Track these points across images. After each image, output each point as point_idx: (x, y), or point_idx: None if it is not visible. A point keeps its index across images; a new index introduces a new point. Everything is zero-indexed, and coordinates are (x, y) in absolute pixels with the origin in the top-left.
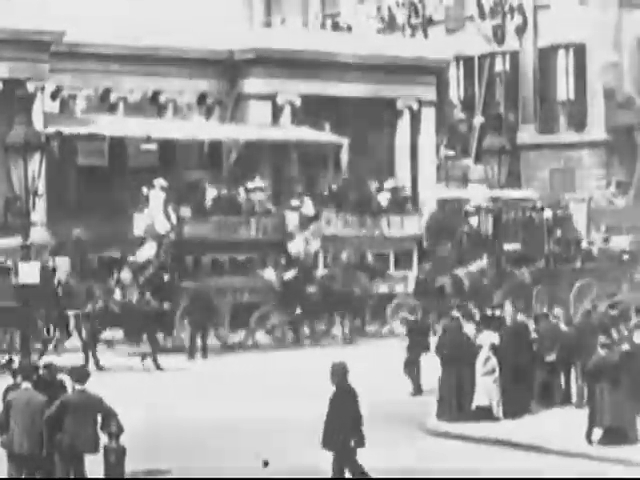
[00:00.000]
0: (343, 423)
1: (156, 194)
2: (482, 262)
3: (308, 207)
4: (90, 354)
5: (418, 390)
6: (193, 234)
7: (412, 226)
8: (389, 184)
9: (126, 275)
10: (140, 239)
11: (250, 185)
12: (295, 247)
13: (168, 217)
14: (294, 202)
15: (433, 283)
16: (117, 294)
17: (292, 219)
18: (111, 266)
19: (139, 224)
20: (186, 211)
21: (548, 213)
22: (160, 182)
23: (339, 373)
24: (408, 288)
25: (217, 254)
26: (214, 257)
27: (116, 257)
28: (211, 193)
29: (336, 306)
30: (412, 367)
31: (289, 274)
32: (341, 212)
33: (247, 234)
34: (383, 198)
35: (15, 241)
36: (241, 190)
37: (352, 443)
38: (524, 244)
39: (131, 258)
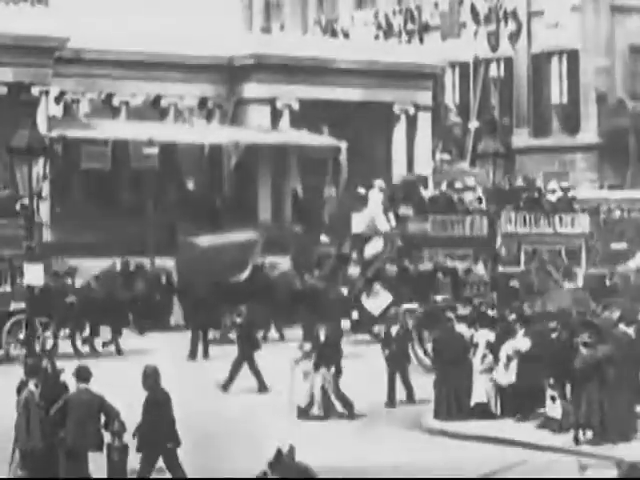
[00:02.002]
0: (158, 426)
1: (375, 194)
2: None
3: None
4: None
5: None
6: (415, 231)
7: (581, 224)
8: (559, 185)
9: (354, 269)
10: (365, 237)
11: (458, 185)
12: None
13: (387, 216)
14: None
15: (602, 279)
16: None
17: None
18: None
19: (358, 223)
20: (407, 210)
21: None
22: (379, 183)
23: (151, 377)
24: (578, 283)
25: (435, 250)
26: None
27: (343, 253)
28: (427, 193)
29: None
30: None
31: (497, 269)
32: (520, 211)
33: (461, 231)
34: (554, 197)
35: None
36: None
37: (169, 445)
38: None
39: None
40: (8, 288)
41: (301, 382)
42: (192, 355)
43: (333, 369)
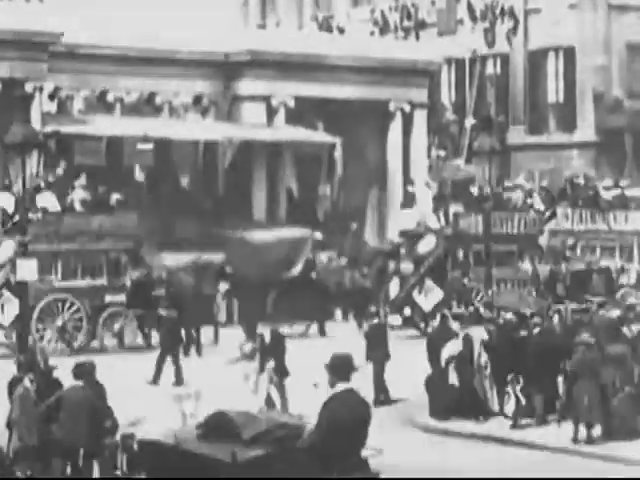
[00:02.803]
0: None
1: (424, 191)
2: None
3: (538, 203)
4: None
5: None
6: (466, 228)
7: (635, 221)
8: (613, 182)
9: (407, 266)
10: (418, 233)
11: (508, 183)
12: (542, 241)
13: (437, 213)
14: (529, 200)
15: None
16: (396, 282)
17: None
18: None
19: (407, 220)
20: (457, 207)
21: None
22: (427, 180)
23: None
24: (630, 280)
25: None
26: (479, 249)
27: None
28: (474, 190)
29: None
30: None
31: (541, 266)
32: (576, 208)
33: (510, 228)
34: (609, 195)
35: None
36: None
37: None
38: None
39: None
40: (104, 281)
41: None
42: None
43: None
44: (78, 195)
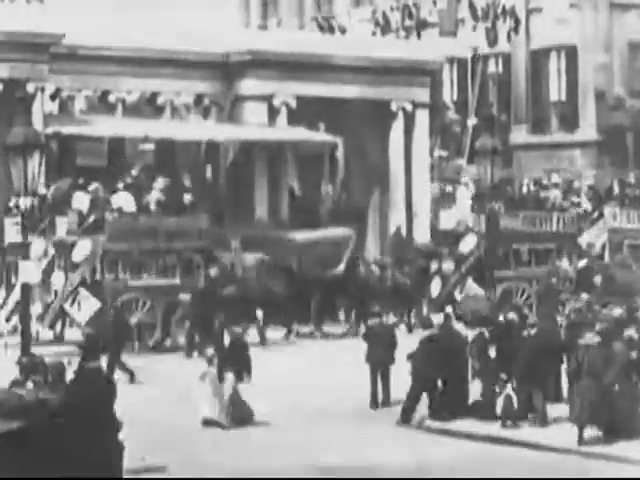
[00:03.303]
0: None
1: (462, 192)
2: None
3: (585, 202)
4: None
5: None
6: (507, 227)
7: None
8: None
9: (449, 265)
10: (459, 233)
11: (545, 182)
12: (585, 239)
13: (477, 213)
14: (575, 199)
15: None
16: (437, 281)
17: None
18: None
19: (447, 219)
20: (497, 206)
21: None
22: (465, 180)
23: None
24: None
25: (524, 246)
26: (519, 248)
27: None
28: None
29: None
30: None
31: (581, 263)
32: (624, 208)
33: (548, 227)
34: None
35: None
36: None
37: None
38: None
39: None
40: (177, 280)
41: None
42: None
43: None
44: (154, 196)
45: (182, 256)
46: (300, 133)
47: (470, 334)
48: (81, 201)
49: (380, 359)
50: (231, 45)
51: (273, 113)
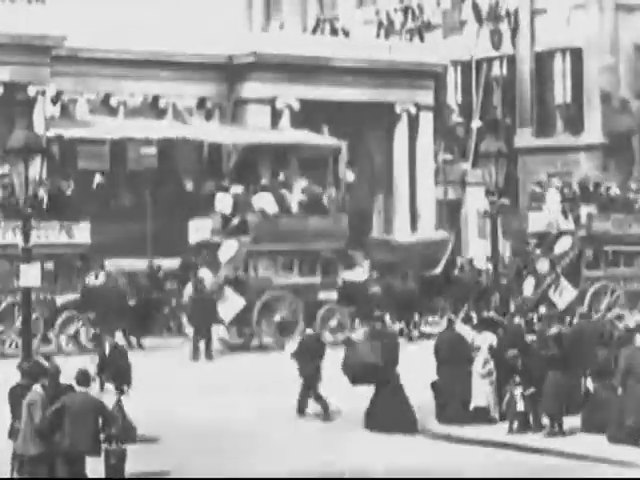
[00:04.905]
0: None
1: (552, 194)
2: None
3: None
4: None
5: None
6: (599, 229)
7: None
8: None
9: (543, 265)
10: (553, 234)
11: (634, 185)
12: None
13: (566, 215)
14: None
15: None
16: (531, 281)
17: None
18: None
19: (536, 221)
20: (588, 208)
21: None
22: (555, 182)
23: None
24: None
25: (614, 247)
26: (609, 250)
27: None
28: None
29: None
30: None
31: None
32: None
33: (638, 230)
34: None
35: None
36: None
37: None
38: None
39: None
40: (317, 279)
41: None
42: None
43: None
44: (296, 197)
45: (322, 256)
46: (303, 136)
47: (478, 338)
48: (224, 203)
49: None
50: (234, 47)
51: (276, 116)
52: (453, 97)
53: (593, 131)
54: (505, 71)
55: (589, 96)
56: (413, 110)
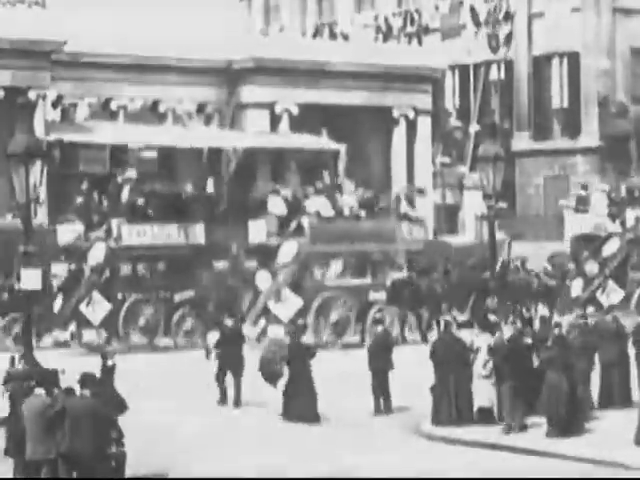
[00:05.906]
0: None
1: (598, 197)
2: None
3: None
4: None
5: None
6: None
7: None
8: None
9: (592, 267)
10: (601, 237)
11: None
12: None
13: (613, 218)
14: None
15: None
16: (579, 282)
17: None
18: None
19: (581, 224)
20: (635, 212)
21: None
22: (602, 187)
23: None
24: None
25: None
26: None
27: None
28: None
29: None
30: None
31: None
32: None
33: None
34: None
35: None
36: None
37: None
38: None
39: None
40: (368, 280)
41: None
42: None
43: None
44: (347, 201)
45: (372, 258)
46: (302, 140)
47: (477, 339)
48: (277, 205)
49: (382, 367)
50: (233, 52)
51: (275, 120)
52: (451, 101)
53: (590, 134)
54: (503, 75)
55: (586, 100)
56: (411, 114)
